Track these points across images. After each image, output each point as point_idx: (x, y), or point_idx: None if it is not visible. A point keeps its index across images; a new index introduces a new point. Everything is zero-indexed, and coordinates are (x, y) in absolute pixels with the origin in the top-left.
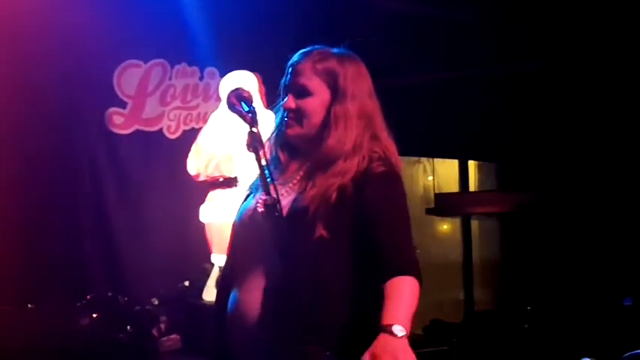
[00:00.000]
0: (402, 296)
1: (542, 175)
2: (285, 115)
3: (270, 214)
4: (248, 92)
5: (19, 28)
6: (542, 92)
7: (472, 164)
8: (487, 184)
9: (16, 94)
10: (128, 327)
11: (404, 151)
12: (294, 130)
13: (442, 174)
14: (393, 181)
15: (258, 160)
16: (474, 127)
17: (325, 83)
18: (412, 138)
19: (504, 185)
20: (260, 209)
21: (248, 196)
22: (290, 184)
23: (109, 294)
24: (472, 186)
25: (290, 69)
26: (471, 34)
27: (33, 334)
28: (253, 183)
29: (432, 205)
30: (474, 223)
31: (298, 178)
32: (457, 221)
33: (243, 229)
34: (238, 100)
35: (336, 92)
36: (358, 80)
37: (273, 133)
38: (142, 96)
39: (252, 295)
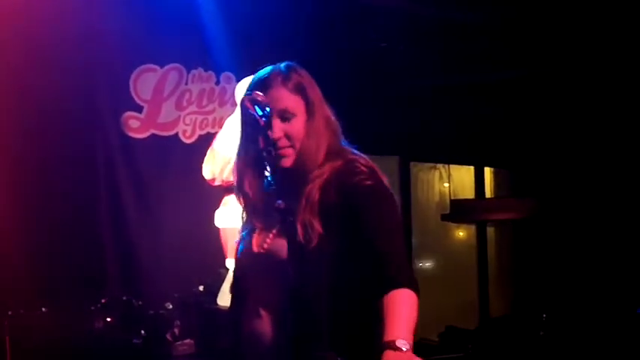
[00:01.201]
0: (402, 310)
1: (559, 181)
2: (270, 147)
3: (284, 219)
4: (262, 96)
5: (36, 33)
6: (558, 98)
7: (488, 170)
8: (503, 190)
9: (33, 98)
10: (142, 331)
11: (420, 157)
12: (290, 159)
13: (458, 180)
14: (384, 195)
15: (272, 166)
16: (490, 134)
17: (300, 99)
18: (428, 144)
19: (520, 191)
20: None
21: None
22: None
23: (124, 298)
24: (488, 192)
25: (260, 91)
26: (488, 39)
27: (47, 337)
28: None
29: (448, 211)
30: (490, 229)
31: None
32: (472, 227)
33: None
34: (252, 104)
35: (308, 105)
36: (315, 86)
37: (248, 178)
38: (157, 100)
39: (264, 311)
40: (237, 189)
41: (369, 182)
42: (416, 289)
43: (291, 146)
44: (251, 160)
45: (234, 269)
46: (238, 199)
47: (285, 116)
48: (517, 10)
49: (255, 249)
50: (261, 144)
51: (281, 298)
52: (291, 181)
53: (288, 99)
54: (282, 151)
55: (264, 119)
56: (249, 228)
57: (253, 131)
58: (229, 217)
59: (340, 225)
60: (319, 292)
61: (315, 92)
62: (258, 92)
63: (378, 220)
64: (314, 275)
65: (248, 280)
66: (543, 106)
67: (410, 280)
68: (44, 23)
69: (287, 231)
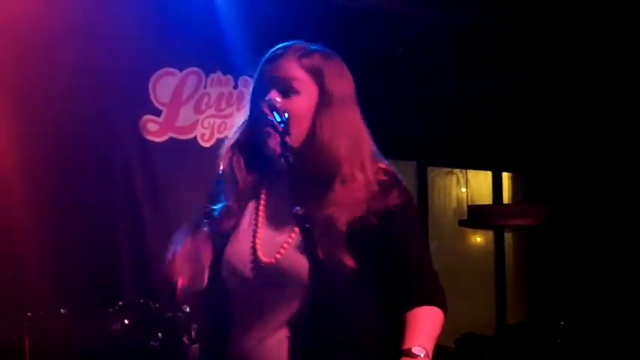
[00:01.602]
0: (425, 323)
1: (576, 187)
2: (263, 120)
3: (302, 225)
4: (280, 102)
5: (54, 36)
6: (576, 103)
7: (506, 176)
8: (521, 195)
9: (51, 102)
10: (159, 334)
11: (437, 163)
12: (276, 141)
13: (475, 185)
14: (415, 212)
15: (290, 169)
16: (507, 139)
17: (313, 81)
18: (445, 149)
19: (538, 197)
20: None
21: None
22: (260, 207)
23: (141, 300)
24: (506, 198)
25: (268, 65)
26: (504, 43)
27: (66, 339)
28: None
29: (465, 217)
30: (507, 235)
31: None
32: (490, 233)
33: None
34: (270, 110)
35: (323, 94)
36: (344, 82)
37: (233, 141)
38: (176, 104)
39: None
40: (225, 174)
41: (403, 199)
42: (444, 309)
43: (282, 125)
44: (249, 141)
45: (212, 274)
46: (225, 187)
47: (284, 89)
48: (534, 13)
49: (263, 258)
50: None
51: (295, 317)
52: (301, 179)
53: (292, 71)
54: (269, 128)
55: (282, 125)
56: (228, 225)
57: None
58: None
59: (373, 251)
60: (344, 312)
61: (340, 85)
62: (276, 98)
63: (413, 240)
64: (339, 296)
65: (246, 294)
66: (561, 111)
67: (442, 298)
68: (61, 27)
69: (305, 243)
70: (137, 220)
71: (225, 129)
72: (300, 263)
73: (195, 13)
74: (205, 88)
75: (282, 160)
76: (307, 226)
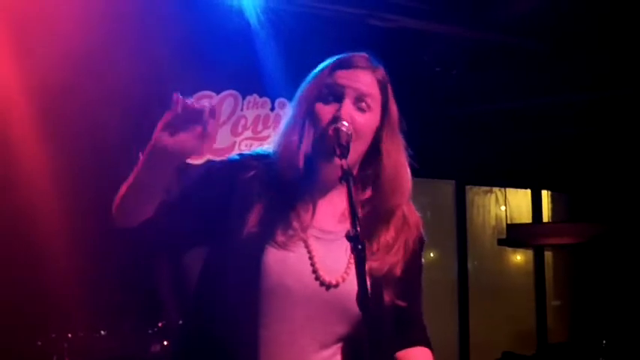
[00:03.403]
0: None
1: (617, 205)
2: (328, 136)
3: (355, 246)
4: (347, 127)
5: (91, 61)
6: (616, 122)
7: (545, 194)
8: (560, 214)
9: (90, 128)
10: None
11: (476, 181)
12: (337, 161)
13: (514, 204)
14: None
15: (350, 192)
16: (547, 157)
17: (380, 99)
18: (484, 168)
19: (578, 216)
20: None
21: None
22: (307, 222)
23: (180, 322)
24: (545, 216)
25: (343, 71)
26: (544, 62)
27: (105, 359)
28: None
29: (504, 236)
30: (547, 254)
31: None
32: (530, 252)
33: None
34: (336, 134)
35: (385, 114)
36: (395, 104)
37: (296, 146)
38: (213, 126)
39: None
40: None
41: (422, 237)
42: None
43: (343, 149)
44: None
45: (247, 289)
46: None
47: (360, 104)
48: (573, 33)
49: (326, 279)
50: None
51: (344, 340)
52: (356, 202)
53: (370, 86)
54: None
55: (344, 149)
56: (261, 238)
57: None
58: None
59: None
60: (386, 343)
61: (395, 107)
62: (344, 123)
63: (420, 278)
64: (385, 328)
65: (292, 313)
66: (602, 130)
67: (429, 341)
68: (100, 51)
69: (358, 266)
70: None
71: None
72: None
73: (231, 35)
74: (242, 110)
75: (343, 182)
76: (360, 247)
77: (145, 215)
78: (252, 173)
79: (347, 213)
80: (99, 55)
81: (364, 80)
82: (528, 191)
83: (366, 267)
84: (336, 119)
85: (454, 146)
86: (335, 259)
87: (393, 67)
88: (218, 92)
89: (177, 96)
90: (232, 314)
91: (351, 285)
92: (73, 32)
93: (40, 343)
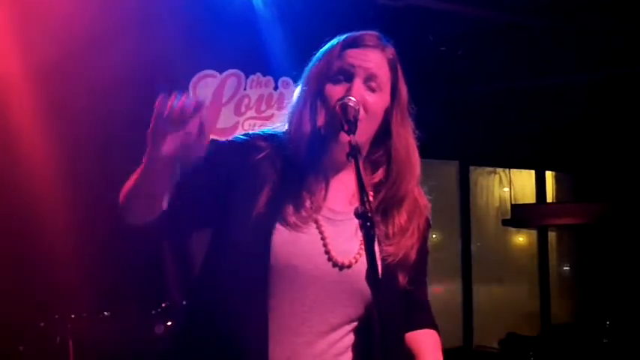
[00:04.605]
0: (438, 351)
1: (621, 185)
2: (340, 105)
3: (364, 224)
4: (355, 102)
5: (93, 41)
6: (620, 102)
7: (549, 175)
8: (564, 195)
9: (91, 107)
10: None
11: (480, 162)
12: (345, 137)
13: (519, 185)
14: None
15: (358, 168)
16: (551, 138)
17: (390, 80)
18: (488, 148)
19: (582, 196)
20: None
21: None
22: (317, 202)
23: (184, 302)
24: (549, 197)
25: (354, 50)
26: (548, 42)
27: (109, 341)
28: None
29: (508, 217)
30: (551, 235)
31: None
32: (533, 233)
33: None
34: (342, 110)
35: (395, 95)
36: (405, 84)
37: (308, 127)
38: (217, 106)
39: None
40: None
41: (429, 220)
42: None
43: (351, 125)
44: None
45: (259, 267)
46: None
47: (371, 83)
48: (578, 15)
49: (339, 260)
50: (347, 148)
51: (356, 322)
52: (368, 184)
53: (380, 66)
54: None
55: (349, 125)
56: (271, 218)
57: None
58: None
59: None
60: (399, 323)
61: (405, 88)
62: (350, 98)
63: (427, 261)
64: (398, 309)
65: (303, 294)
66: (606, 109)
67: (435, 323)
68: (100, 31)
69: (368, 244)
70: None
71: None
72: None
73: (234, 15)
74: (245, 89)
75: (350, 158)
76: (369, 224)
77: (153, 215)
78: (262, 154)
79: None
80: (100, 38)
81: (374, 59)
82: (532, 172)
83: (382, 251)
84: (343, 96)
85: (458, 127)
86: (347, 239)
87: (398, 46)
88: (221, 72)
89: (161, 99)
90: (240, 295)
91: (364, 266)
92: (72, 16)
93: (42, 324)
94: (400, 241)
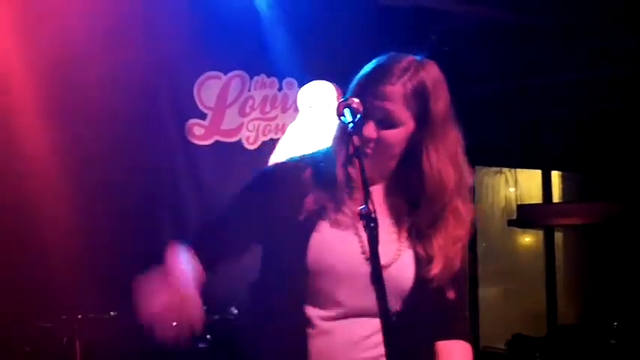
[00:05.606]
0: None
1: (629, 185)
2: (362, 143)
3: (367, 224)
4: (357, 103)
5: (98, 42)
6: (628, 100)
7: (556, 175)
8: (571, 195)
9: (96, 109)
10: (208, 336)
11: (485, 162)
12: (369, 161)
13: (524, 185)
14: None
15: (362, 168)
16: (557, 137)
17: (414, 108)
18: (493, 148)
19: (589, 196)
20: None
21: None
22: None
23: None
24: (556, 197)
25: (372, 86)
26: (554, 39)
27: (116, 341)
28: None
29: (514, 217)
30: (558, 235)
31: (398, 224)
32: (540, 233)
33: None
34: (346, 109)
35: (426, 116)
36: (445, 98)
37: (339, 154)
38: (221, 107)
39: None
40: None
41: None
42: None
43: (375, 149)
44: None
45: (276, 265)
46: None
47: (383, 120)
48: (583, 11)
49: (366, 253)
50: (351, 149)
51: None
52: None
53: (394, 104)
54: (366, 150)
55: (351, 125)
56: (310, 224)
57: (345, 136)
58: None
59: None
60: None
61: (442, 104)
62: (354, 99)
63: (466, 270)
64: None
65: (341, 295)
66: (611, 109)
67: (469, 335)
68: (105, 33)
69: (371, 243)
70: (183, 223)
71: (269, 131)
72: (407, 275)
73: (237, 16)
74: (249, 90)
75: (354, 157)
76: (372, 225)
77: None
78: (306, 172)
79: (393, 204)
80: (103, 39)
81: (392, 97)
82: (538, 172)
83: (426, 274)
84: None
85: (463, 126)
86: (383, 241)
87: (401, 47)
88: (225, 73)
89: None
90: (278, 296)
91: (402, 266)
92: (76, 17)
93: (49, 324)
94: (441, 261)
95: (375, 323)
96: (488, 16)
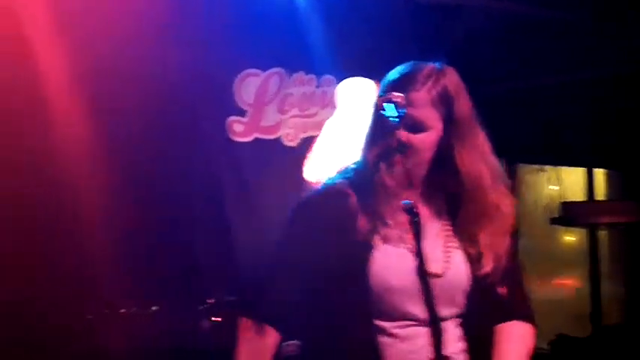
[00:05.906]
0: (520, 341)
1: None
2: (393, 148)
3: (412, 218)
4: (402, 97)
5: (138, 41)
6: None
7: (600, 173)
8: (615, 193)
9: (139, 106)
10: None
11: (528, 160)
12: (402, 165)
13: (568, 183)
14: None
15: (404, 164)
16: (601, 134)
17: (440, 113)
18: (536, 146)
19: (633, 195)
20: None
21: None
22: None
23: (230, 298)
24: (599, 195)
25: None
26: (595, 34)
27: (157, 335)
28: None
29: (557, 215)
30: (602, 234)
31: (442, 227)
32: (583, 231)
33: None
34: (387, 104)
35: (451, 119)
36: (467, 100)
37: (372, 159)
38: (260, 104)
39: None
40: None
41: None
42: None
43: (405, 155)
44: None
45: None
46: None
47: (412, 126)
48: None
49: (432, 269)
50: (395, 143)
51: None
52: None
53: (421, 109)
54: (398, 156)
55: (395, 119)
56: (364, 242)
57: (383, 133)
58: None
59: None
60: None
61: (466, 106)
62: (394, 94)
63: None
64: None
65: (401, 306)
66: None
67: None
68: (143, 32)
69: (417, 239)
70: (224, 220)
71: (308, 128)
72: (462, 277)
73: (276, 13)
74: (288, 88)
75: (397, 152)
76: (416, 220)
77: None
78: (350, 199)
79: (433, 208)
80: (141, 39)
81: (417, 103)
82: (581, 170)
83: (479, 272)
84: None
85: (504, 124)
86: (431, 248)
87: (439, 43)
88: (264, 70)
89: None
90: (346, 317)
91: (455, 272)
92: (112, 17)
93: (90, 317)
94: (491, 257)
95: (447, 325)
96: (531, 12)
